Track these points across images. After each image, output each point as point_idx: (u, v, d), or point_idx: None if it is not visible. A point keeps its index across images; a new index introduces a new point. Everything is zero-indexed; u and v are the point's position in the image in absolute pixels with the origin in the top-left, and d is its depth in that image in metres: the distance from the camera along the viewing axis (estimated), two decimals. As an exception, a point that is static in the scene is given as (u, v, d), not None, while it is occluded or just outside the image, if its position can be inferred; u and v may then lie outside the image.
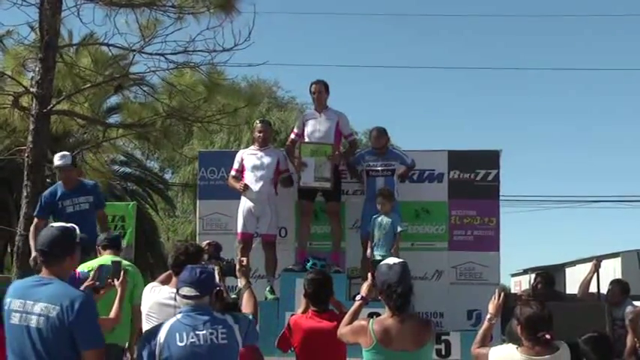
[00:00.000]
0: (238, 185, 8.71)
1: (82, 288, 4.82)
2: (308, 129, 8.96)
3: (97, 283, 5.12)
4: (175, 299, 4.49)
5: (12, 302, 4.26)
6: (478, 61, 57.00)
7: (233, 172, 8.85)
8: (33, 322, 4.14)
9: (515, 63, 59.33)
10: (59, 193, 8.12)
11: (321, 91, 8.97)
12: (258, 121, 9.30)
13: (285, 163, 8.94)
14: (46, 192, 8.33)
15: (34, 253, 8.02)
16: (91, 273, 5.25)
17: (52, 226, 4.49)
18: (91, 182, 8.84)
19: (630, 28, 57.72)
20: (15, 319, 4.21)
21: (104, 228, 8.22)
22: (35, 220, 8.34)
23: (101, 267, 5.19)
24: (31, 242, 8.21)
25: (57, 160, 8.25)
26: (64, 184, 8.18)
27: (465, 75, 63.08)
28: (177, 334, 4.26)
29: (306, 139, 8.93)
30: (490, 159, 9.33)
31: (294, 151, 9.08)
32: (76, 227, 4.48)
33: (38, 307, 4.15)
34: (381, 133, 9.07)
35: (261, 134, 8.86)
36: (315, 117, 9.00)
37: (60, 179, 8.29)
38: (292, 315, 6.10)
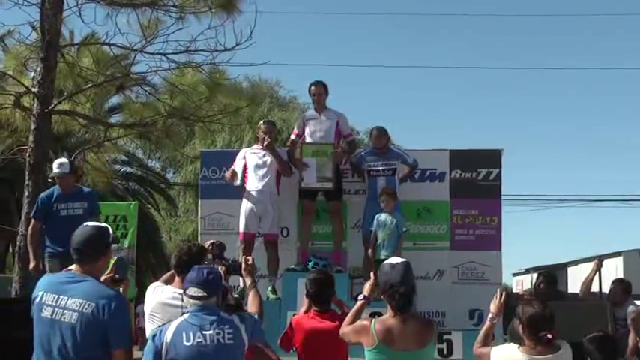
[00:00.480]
0: (228, 174, 8.70)
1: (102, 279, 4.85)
2: (308, 129, 8.97)
3: (117, 275, 5.15)
4: (182, 299, 4.50)
5: (44, 296, 4.32)
6: (479, 61, 57.03)
7: (232, 167, 8.85)
8: (66, 316, 4.22)
9: (517, 63, 59.38)
10: (55, 196, 8.21)
11: (320, 92, 8.98)
12: (262, 122, 9.29)
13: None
14: (44, 194, 8.40)
15: (33, 262, 8.02)
16: (110, 266, 5.28)
17: (87, 226, 4.56)
18: (88, 189, 8.90)
19: (631, 27, 57.68)
20: (47, 312, 4.28)
21: None
22: (32, 221, 8.36)
23: (119, 260, 5.21)
24: (30, 248, 8.20)
25: (55, 168, 8.34)
26: (62, 189, 8.24)
27: (466, 74, 63.09)
28: (184, 334, 4.27)
29: (307, 140, 8.94)
30: (492, 158, 9.33)
31: (295, 151, 9.08)
32: (109, 227, 4.58)
33: (73, 303, 4.23)
34: (381, 133, 9.08)
35: (265, 135, 8.84)
36: (315, 117, 9.02)
37: (60, 184, 8.32)
38: (294, 314, 6.10)
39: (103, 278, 4.89)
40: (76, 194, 8.28)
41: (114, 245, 4.80)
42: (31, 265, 8.05)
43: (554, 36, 59.16)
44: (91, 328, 4.20)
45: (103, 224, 4.62)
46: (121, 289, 5.38)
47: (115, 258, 5.40)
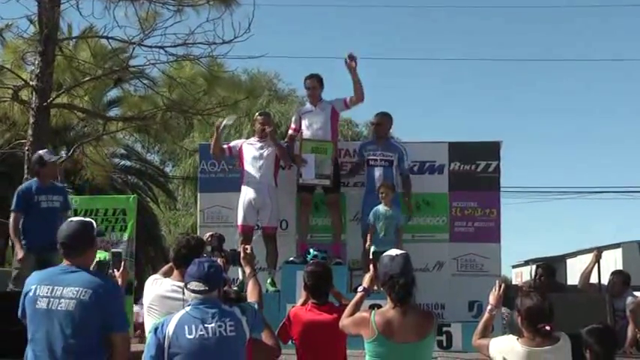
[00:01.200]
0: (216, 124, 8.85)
1: None
2: (305, 122, 8.95)
3: None
4: (183, 292, 4.51)
5: (38, 288, 4.38)
6: (477, 53, 56.99)
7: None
8: (63, 305, 4.29)
9: (516, 54, 59.32)
10: (34, 188, 8.22)
11: (314, 85, 8.94)
12: (258, 114, 9.29)
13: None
14: (22, 187, 8.41)
15: (21, 254, 8.00)
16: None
17: (71, 221, 4.64)
18: (61, 185, 8.92)
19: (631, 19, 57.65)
20: (42, 303, 4.34)
21: None
22: (13, 214, 8.32)
23: (99, 263, 5.28)
24: (16, 240, 8.15)
25: (48, 154, 8.40)
26: (47, 178, 8.28)
27: (464, 66, 63.05)
28: (186, 327, 4.28)
29: (304, 133, 8.92)
30: (491, 150, 9.33)
31: (294, 146, 9.05)
32: (93, 221, 4.67)
33: (69, 291, 4.30)
34: (385, 115, 9.09)
35: (263, 126, 8.85)
36: (311, 110, 8.99)
37: (45, 174, 8.29)
38: (293, 307, 6.10)
39: None
40: (52, 188, 8.32)
41: (113, 238, 4.86)
42: (20, 255, 8.03)
43: (554, 27, 59.15)
44: (89, 314, 4.27)
45: (87, 219, 4.72)
46: (119, 281, 5.41)
47: (95, 262, 5.45)
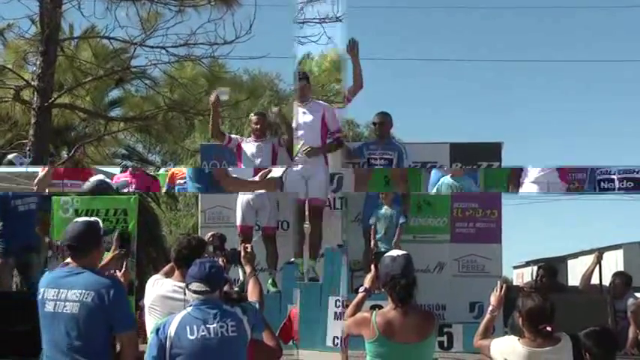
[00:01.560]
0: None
1: (107, 259, 5.11)
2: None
3: (123, 250, 5.29)
4: (184, 293, 4.51)
5: (46, 292, 4.44)
6: (478, 53, 56.98)
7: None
8: (68, 308, 4.33)
9: (518, 54, 59.30)
10: (10, 193, 8.19)
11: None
12: (253, 114, 9.26)
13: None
14: None
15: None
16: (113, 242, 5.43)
17: (77, 221, 4.68)
18: None
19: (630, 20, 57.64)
20: (49, 306, 4.39)
21: (46, 232, 8.19)
22: None
23: (121, 235, 5.37)
24: None
25: (18, 159, 8.60)
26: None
27: (464, 67, 63.06)
28: (188, 328, 4.29)
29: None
30: (492, 151, 9.30)
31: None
32: (99, 221, 4.73)
33: (73, 294, 4.34)
34: (386, 114, 9.05)
35: (257, 126, 8.81)
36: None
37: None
38: (293, 307, 6.10)
39: (110, 256, 5.17)
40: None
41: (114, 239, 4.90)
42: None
43: (555, 27, 59.20)
44: (93, 316, 4.31)
45: (93, 218, 4.75)
46: (122, 280, 5.43)
47: (117, 234, 5.52)
